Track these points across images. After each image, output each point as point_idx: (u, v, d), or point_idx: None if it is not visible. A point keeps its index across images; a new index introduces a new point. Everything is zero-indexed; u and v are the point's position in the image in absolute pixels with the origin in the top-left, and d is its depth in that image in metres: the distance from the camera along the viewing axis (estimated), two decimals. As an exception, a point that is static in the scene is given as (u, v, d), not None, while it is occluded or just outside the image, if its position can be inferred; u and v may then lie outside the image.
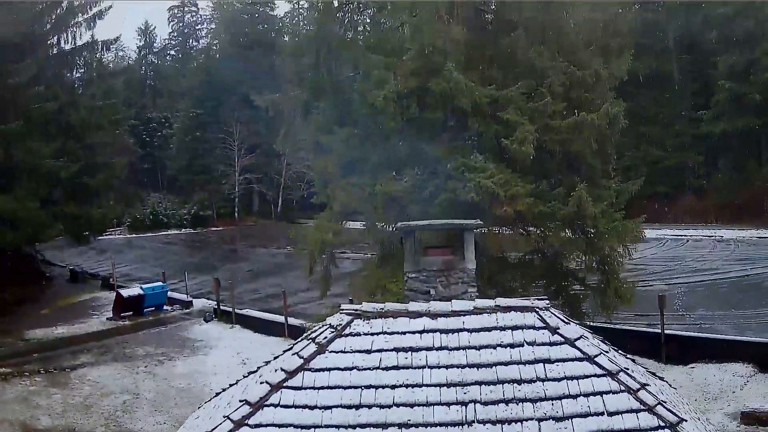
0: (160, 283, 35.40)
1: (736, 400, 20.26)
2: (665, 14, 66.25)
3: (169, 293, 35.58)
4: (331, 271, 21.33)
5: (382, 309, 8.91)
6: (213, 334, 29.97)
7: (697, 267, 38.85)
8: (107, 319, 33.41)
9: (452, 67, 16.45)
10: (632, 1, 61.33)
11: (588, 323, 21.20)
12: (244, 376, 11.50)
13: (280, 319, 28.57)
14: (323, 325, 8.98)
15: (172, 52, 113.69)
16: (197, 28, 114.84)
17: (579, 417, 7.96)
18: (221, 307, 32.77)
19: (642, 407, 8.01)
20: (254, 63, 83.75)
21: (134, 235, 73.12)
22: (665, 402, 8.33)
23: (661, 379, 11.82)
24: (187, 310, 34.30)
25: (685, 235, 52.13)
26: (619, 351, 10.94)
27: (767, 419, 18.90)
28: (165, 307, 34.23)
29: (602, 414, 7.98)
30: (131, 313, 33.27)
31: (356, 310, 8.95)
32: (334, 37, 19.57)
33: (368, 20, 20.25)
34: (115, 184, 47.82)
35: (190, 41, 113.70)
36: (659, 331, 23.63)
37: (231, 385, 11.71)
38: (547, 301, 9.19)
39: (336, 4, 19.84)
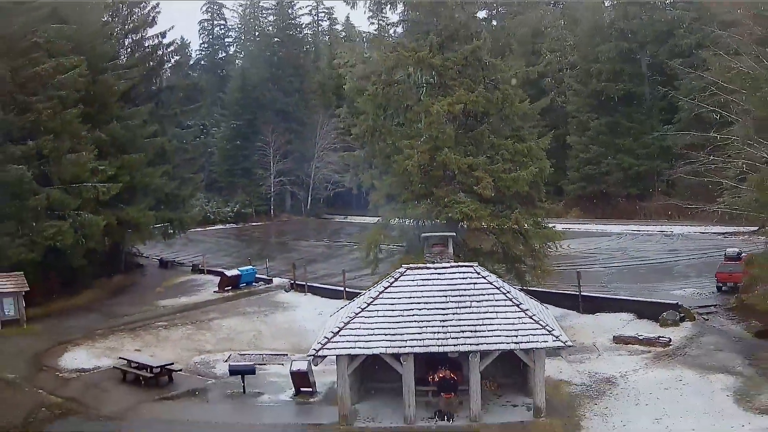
0: (250, 267, 52.75)
1: (617, 332, 36.93)
2: (639, 44, 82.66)
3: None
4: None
5: (418, 266, 26.26)
6: (294, 299, 47.48)
7: (634, 255, 56.01)
8: (214, 292, 50.57)
9: (447, 150, 33.76)
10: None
11: (533, 288, 38.36)
12: (347, 305, 28.68)
13: (339, 288, 45.70)
14: (395, 272, 26.23)
15: (204, 62, 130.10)
16: (226, 39, 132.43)
17: (486, 305, 25.16)
18: (296, 282, 49.97)
19: (512, 303, 25.20)
20: (285, 81, 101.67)
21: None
22: (522, 303, 25.53)
23: (536, 299, 29.03)
24: (270, 285, 51.51)
25: (642, 231, 68.94)
26: (516, 288, 28.16)
27: (627, 341, 35.67)
28: (254, 284, 51.37)
29: (493, 303, 25.18)
30: (230, 287, 50.35)
31: (408, 266, 26.24)
32: (381, 128, 36.87)
33: (400, 114, 37.46)
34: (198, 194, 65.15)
35: (220, 52, 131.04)
36: (578, 293, 40.74)
37: (341, 308, 28.98)
38: (477, 264, 26.42)
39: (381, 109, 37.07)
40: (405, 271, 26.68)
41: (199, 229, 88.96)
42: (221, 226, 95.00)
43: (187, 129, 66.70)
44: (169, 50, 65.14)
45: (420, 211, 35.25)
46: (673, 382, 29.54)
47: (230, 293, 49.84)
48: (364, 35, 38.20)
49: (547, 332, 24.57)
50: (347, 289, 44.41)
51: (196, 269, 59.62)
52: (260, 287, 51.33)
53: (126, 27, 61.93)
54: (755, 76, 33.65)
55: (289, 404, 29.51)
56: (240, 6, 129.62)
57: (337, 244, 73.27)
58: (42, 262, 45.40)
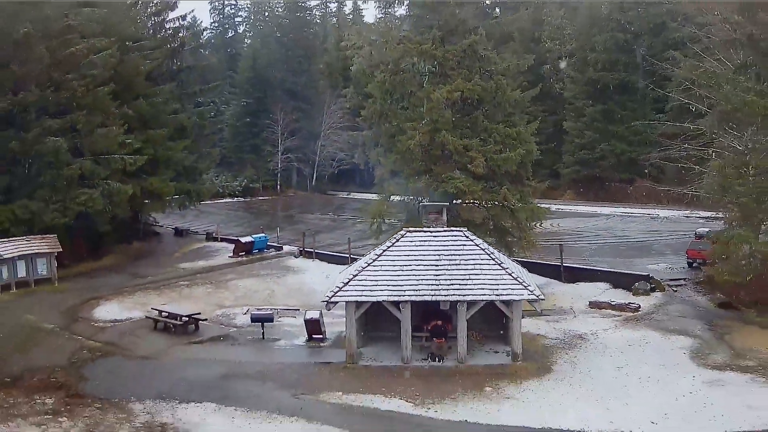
0: (263, 234, 57.59)
1: (593, 298, 41.53)
2: (634, 35, 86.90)
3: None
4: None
5: (417, 228, 31.19)
6: (303, 264, 52.48)
7: (618, 234, 60.81)
8: (229, 257, 55.37)
9: (445, 132, 38.55)
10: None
11: (520, 259, 43.08)
12: (355, 262, 33.44)
13: (344, 255, 50.53)
14: (397, 234, 31.08)
15: (213, 41, 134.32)
16: (236, 19, 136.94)
17: (472, 263, 29.98)
18: (305, 249, 54.86)
19: (495, 263, 30.04)
20: (295, 62, 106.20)
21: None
22: (503, 262, 30.34)
23: (521, 264, 33.85)
24: (280, 252, 56.39)
25: (630, 213, 73.69)
26: (502, 254, 32.91)
27: (601, 306, 40.37)
28: (266, 250, 56.17)
29: (478, 262, 30.01)
30: (244, 253, 55.12)
31: (408, 228, 31.14)
32: (388, 111, 41.68)
33: (405, 99, 42.24)
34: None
35: (230, 31, 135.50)
36: (560, 264, 45.48)
37: (348, 266, 33.78)
38: (466, 229, 31.24)
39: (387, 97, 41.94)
40: (405, 234, 31.65)
41: (210, 202, 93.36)
42: (230, 200, 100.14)
43: (202, 107, 71.18)
44: (189, 32, 69.69)
45: (420, 186, 40.39)
46: (637, 340, 34.11)
47: (244, 258, 54.58)
48: (372, 26, 42.83)
49: (524, 287, 29.35)
50: (352, 256, 49.09)
51: (211, 237, 64.28)
52: (271, 253, 56.11)
53: (149, 10, 66.51)
54: (718, 75, 38.23)
55: (303, 348, 34.38)
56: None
57: (342, 217, 79.14)
58: (71, 227, 49.98)
